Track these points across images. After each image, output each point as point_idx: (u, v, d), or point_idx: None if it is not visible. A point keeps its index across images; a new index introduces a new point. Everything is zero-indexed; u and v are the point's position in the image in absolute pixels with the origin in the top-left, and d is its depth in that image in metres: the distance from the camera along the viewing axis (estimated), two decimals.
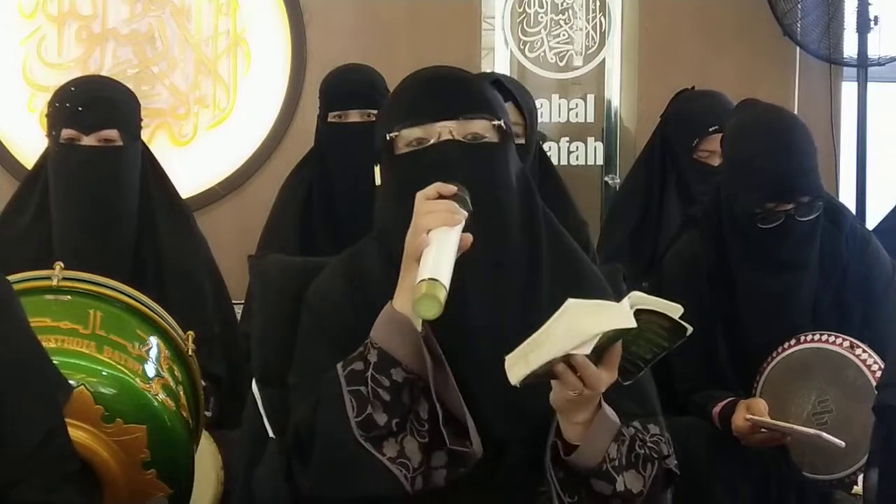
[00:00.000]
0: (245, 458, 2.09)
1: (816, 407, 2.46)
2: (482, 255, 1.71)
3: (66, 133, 2.64)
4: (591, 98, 4.22)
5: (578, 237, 2.46)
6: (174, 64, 3.90)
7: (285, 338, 1.89)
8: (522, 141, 2.87)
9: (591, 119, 4.23)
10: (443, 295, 1.54)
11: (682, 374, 2.62)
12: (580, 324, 1.56)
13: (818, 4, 4.07)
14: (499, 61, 4.16)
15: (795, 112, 3.76)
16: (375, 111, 3.05)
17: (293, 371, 1.83)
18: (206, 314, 2.72)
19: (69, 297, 2.16)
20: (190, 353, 2.25)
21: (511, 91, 2.91)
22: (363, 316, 1.73)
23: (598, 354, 1.61)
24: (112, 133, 2.65)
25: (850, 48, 4.13)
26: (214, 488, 2.46)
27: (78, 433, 1.91)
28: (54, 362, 1.84)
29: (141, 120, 2.79)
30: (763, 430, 2.46)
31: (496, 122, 1.82)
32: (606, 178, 4.23)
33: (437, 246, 1.60)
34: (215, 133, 3.94)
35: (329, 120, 3.22)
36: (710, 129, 3.18)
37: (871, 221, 3.95)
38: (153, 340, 2.18)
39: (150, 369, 2.10)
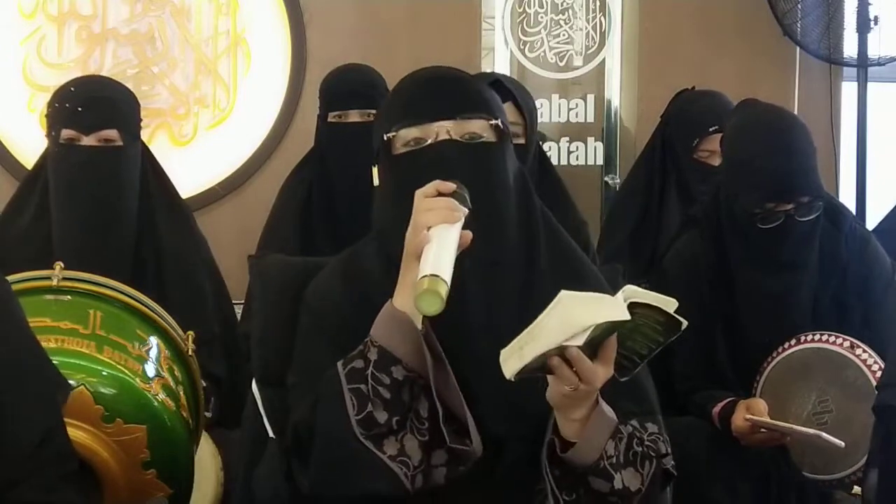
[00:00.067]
0: (245, 458, 2.09)
1: (816, 407, 2.46)
2: (480, 253, 1.71)
3: (66, 133, 2.64)
4: (591, 98, 4.22)
5: (578, 237, 2.46)
6: (174, 64, 3.90)
7: (285, 338, 1.88)
8: (522, 141, 2.87)
9: (591, 119, 4.23)
10: (444, 291, 1.53)
11: (682, 374, 2.63)
12: (573, 315, 1.56)
13: (818, 4, 4.06)
14: (499, 61, 4.16)
15: (795, 112, 3.77)
16: (375, 111, 3.05)
17: (292, 371, 1.83)
18: (207, 314, 2.73)
19: (69, 297, 2.16)
20: (190, 353, 2.26)
21: (511, 91, 2.91)
22: (362, 316, 1.72)
23: (594, 349, 1.61)
24: (112, 133, 2.65)
25: (850, 48, 4.13)
26: (214, 488, 2.47)
27: (78, 433, 1.91)
28: (54, 362, 1.84)
29: (141, 120, 2.79)
30: (763, 430, 2.45)
31: (493, 122, 1.82)
32: (606, 178, 4.23)
33: (438, 243, 1.60)
34: (215, 133, 3.94)
35: (329, 120, 3.21)
36: (711, 129, 3.17)
37: (871, 221, 3.94)
38: (153, 340, 2.18)
39: (150, 369, 2.10)
